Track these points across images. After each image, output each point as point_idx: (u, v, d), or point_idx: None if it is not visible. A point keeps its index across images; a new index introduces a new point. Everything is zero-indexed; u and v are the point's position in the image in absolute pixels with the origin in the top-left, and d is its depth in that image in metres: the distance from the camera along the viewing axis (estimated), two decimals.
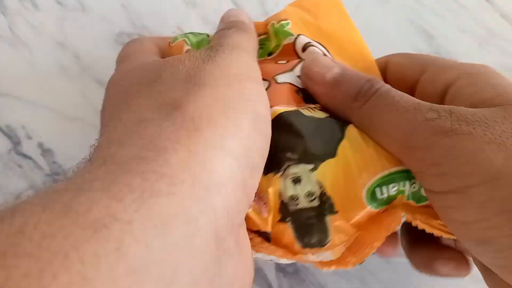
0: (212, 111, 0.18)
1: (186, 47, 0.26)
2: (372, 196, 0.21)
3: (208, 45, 0.23)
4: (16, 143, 0.35)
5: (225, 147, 0.17)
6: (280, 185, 0.21)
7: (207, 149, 0.16)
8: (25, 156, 0.35)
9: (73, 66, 0.37)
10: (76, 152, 0.35)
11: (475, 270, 0.33)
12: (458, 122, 0.19)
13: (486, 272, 0.23)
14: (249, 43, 0.25)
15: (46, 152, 0.35)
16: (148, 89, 0.20)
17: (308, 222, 0.21)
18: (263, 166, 0.20)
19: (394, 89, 0.22)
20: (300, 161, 0.21)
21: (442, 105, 0.20)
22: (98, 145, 0.18)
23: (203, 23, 0.38)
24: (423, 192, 0.22)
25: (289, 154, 0.22)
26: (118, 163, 0.15)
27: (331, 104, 0.24)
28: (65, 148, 0.35)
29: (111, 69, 0.37)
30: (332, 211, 0.21)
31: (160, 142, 0.16)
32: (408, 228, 0.27)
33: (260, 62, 0.24)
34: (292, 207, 0.21)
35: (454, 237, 0.21)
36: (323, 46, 0.26)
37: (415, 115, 0.20)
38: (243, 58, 0.22)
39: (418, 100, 0.21)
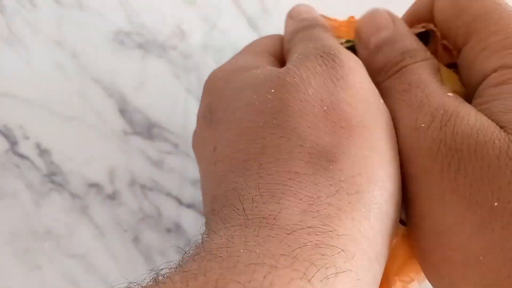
0: (369, 165, 0.16)
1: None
2: None
3: (314, 50, 0.19)
4: (13, 143, 0.35)
5: (384, 210, 0.15)
6: None
7: (368, 215, 0.15)
8: (22, 156, 0.34)
9: (71, 65, 0.36)
10: (74, 152, 0.35)
11: None
12: (445, 145, 0.16)
13: None
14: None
15: (43, 152, 0.35)
16: (278, 124, 0.17)
17: None
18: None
19: (423, 70, 0.18)
20: None
21: (450, 105, 0.17)
22: (242, 193, 0.16)
23: (202, 22, 0.38)
24: None
25: None
26: (288, 230, 0.14)
27: (367, 69, 0.20)
28: (63, 148, 0.35)
29: (109, 68, 0.37)
30: None
31: (322, 207, 0.14)
32: None
33: None
34: None
35: None
36: None
37: (410, 117, 0.17)
38: (362, 71, 0.18)
39: (433, 94, 0.17)
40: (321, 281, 0.13)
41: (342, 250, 0.14)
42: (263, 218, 0.14)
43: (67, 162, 0.34)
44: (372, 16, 0.21)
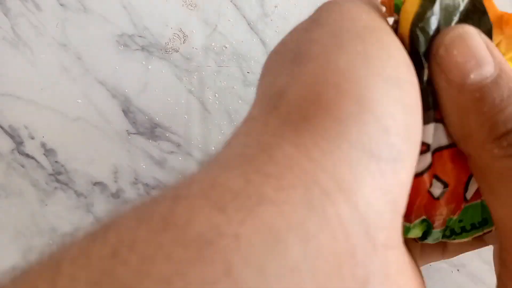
0: (321, 90, 0.13)
1: None
2: None
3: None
4: (19, 143, 0.35)
5: (345, 135, 0.13)
6: None
7: (319, 141, 0.13)
8: (28, 156, 0.35)
9: (75, 67, 0.37)
10: (78, 151, 0.36)
11: (474, 268, 0.34)
12: None
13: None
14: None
15: (48, 152, 0.35)
16: (262, 77, 0.17)
17: None
18: (416, 154, 0.14)
19: None
20: None
21: None
22: None
23: (204, 25, 0.39)
24: None
25: None
26: (218, 163, 0.13)
27: (455, 121, 0.15)
28: (68, 148, 0.35)
29: (113, 69, 0.38)
30: None
31: (264, 138, 0.13)
32: None
33: None
34: None
35: None
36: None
37: None
38: (358, 8, 0.16)
39: None
40: (238, 209, 0.11)
41: (275, 177, 0.12)
42: (207, 161, 0.14)
43: (71, 162, 0.35)
44: (465, 41, 0.15)
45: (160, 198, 0.11)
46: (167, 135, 0.36)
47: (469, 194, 0.17)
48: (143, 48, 0.38)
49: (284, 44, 0.17)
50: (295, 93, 0.14)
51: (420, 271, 0.16)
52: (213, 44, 0.38)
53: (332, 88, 0.13)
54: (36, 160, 0.35)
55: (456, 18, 0.17)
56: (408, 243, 0.16)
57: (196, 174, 0.12)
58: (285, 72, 0.15)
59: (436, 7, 0.16)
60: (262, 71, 0.17)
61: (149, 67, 0.37)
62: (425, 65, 0.16)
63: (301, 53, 0.15)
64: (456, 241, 0.19)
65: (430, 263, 0.24)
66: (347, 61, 0.14)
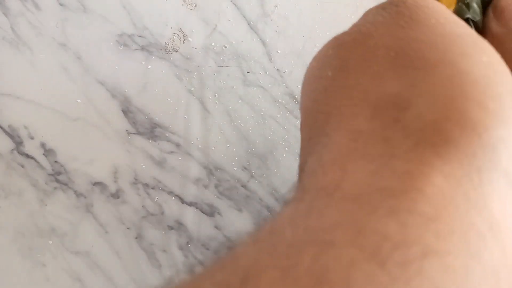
0: (463, 106, 0.12)
1: None
2: None
3: (375, 6, 0.16)
4: (18, 143, 0.35)
5: (495, 164, 0.11)
6: None
7: (469, 170, 0.11)
8: (27, 156, 0.35)
9: (75, 67, 0.37)
10: (78, 152, 0.36)
11: None
12: None
13: None
14: None
15: (48, 152, 0.35)
16: (338, 85, 0.14)
17: None
18: None
19: None
20: None
21: None
22: (307, 166, 0.13)
23: (204, 24, 0.39)
24: None
25: None
26: (352, 195, 0.11)
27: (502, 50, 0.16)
28: (67, 148, 0.35)
29: (113, 69, 0.38)
30: None
31: (397, 164, 0.11)
32: None
33: None
34: None
35: None
36: None
37: None
38: (438, 6, 0.15)
39: None
40: (400, 265, 0.09)
41: (432, 220, 0.10)
42: (322, 188, 0.11)
43: (71, 162, 0.35)
44: None
45: (295, 241, 0.10)
46: (166, 135, 0.36)
47: None
48: (142, 48, 0.37)
49: (368, 36, 0.15)
50: (426, 106, 0.12)
51: None
52: (213, 44, 0.38)
53: (476, 105, 0.11)
54: (35, 160, 0.35)
55: None
56: None
57: (330, 212, 0.10)
58: (392, 75, 0.13)
59: None
60: (332, 61, 0.15)
61: (149, 67, 0.37)
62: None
63: (408, 54, 0.13)
64: None
65: None
66: (481, 75, 0.12)
